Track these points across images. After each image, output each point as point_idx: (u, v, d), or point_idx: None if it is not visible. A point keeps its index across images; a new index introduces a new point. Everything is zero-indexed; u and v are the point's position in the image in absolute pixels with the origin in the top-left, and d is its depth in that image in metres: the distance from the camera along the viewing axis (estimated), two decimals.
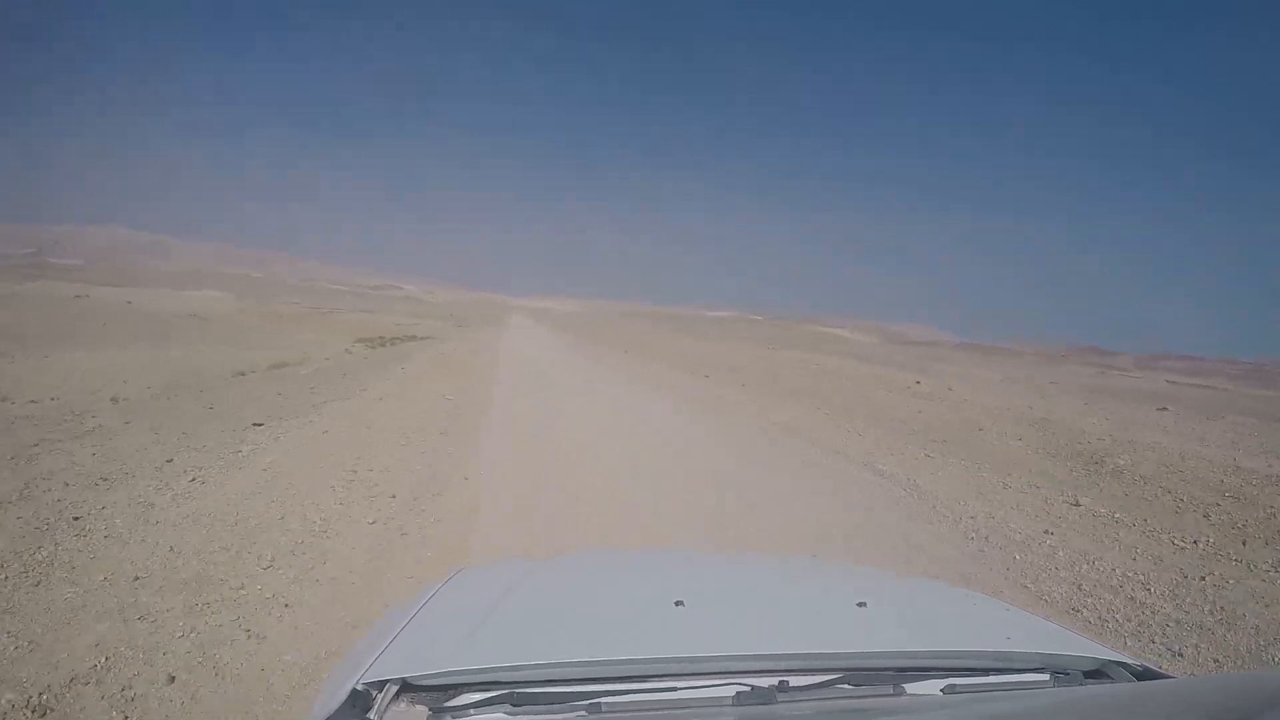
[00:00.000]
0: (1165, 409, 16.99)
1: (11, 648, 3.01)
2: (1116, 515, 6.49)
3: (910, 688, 1.15)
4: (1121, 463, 8.51)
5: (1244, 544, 5.71)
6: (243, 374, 14.73)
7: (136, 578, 3.74)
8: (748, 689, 1.08)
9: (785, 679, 1.11)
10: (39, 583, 3.60)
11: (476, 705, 1.05)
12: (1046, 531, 5.89)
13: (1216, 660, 3.80)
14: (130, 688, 2.82)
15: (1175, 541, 5.78)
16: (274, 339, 26.51)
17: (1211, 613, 4.38)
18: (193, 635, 3.24)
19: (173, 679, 2.89)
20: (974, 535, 5.75)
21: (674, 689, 1.10)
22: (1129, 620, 4.24)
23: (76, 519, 4.48)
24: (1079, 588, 4.73)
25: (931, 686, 1.17)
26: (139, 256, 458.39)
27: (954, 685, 1.17)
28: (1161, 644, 3.97)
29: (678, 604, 1.33)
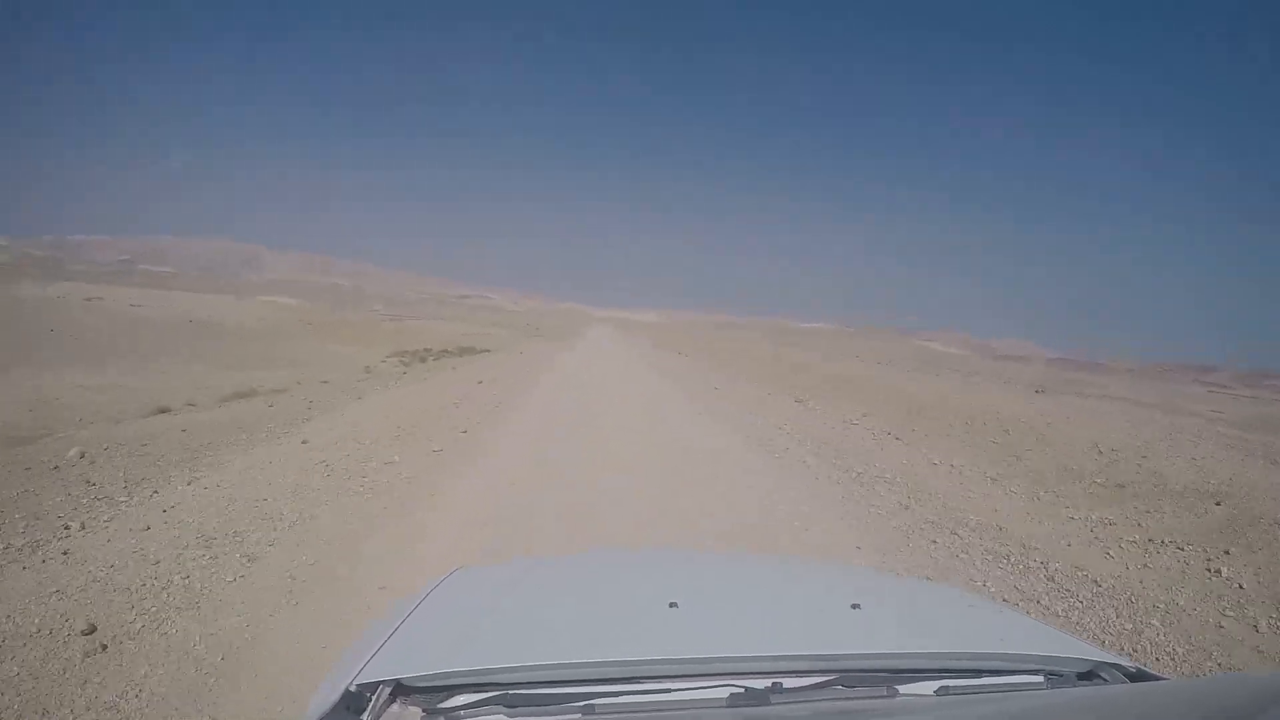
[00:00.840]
0: None
1: None
2: None
3: (904, 689, 1.12)
4: None
5: None
6: (166, 410, 10.20)
7: None
8: (742, 690, 1.05)
9: (779, 680, 1.08)
10: None
11: (470, 706, 1.02)
12: None
13: None
14: None
15: None
16: (292, 352, 22.53)
17: None
18: None
19: None
20: None
21: (668, 690, 1.07)
22: None
23: None
24: None
25: (925, 688, 1.13)
26: (237, 267, 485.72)
27: (948, 687, 1.14)
28: None
29: (672, 605, 1.29)
